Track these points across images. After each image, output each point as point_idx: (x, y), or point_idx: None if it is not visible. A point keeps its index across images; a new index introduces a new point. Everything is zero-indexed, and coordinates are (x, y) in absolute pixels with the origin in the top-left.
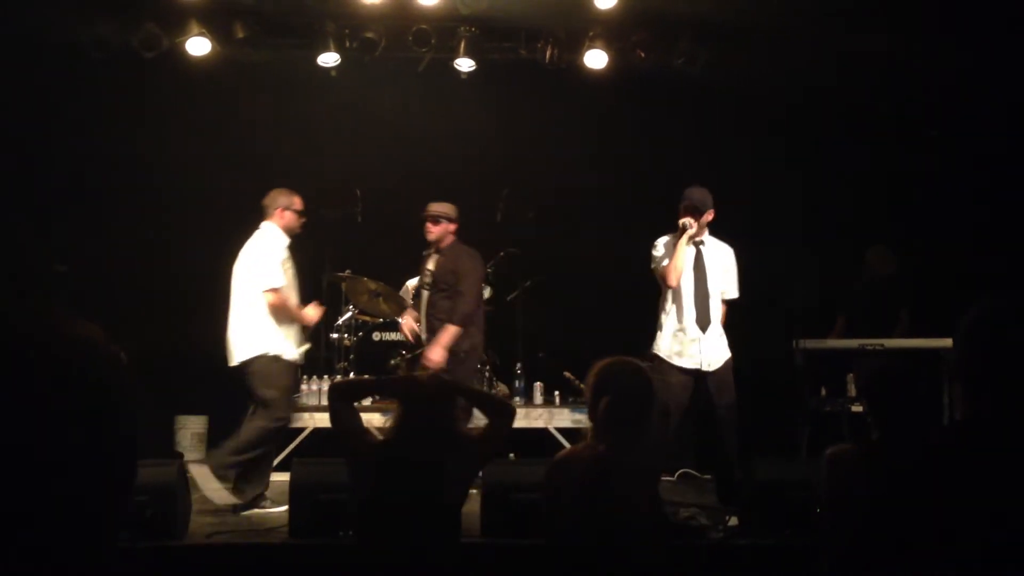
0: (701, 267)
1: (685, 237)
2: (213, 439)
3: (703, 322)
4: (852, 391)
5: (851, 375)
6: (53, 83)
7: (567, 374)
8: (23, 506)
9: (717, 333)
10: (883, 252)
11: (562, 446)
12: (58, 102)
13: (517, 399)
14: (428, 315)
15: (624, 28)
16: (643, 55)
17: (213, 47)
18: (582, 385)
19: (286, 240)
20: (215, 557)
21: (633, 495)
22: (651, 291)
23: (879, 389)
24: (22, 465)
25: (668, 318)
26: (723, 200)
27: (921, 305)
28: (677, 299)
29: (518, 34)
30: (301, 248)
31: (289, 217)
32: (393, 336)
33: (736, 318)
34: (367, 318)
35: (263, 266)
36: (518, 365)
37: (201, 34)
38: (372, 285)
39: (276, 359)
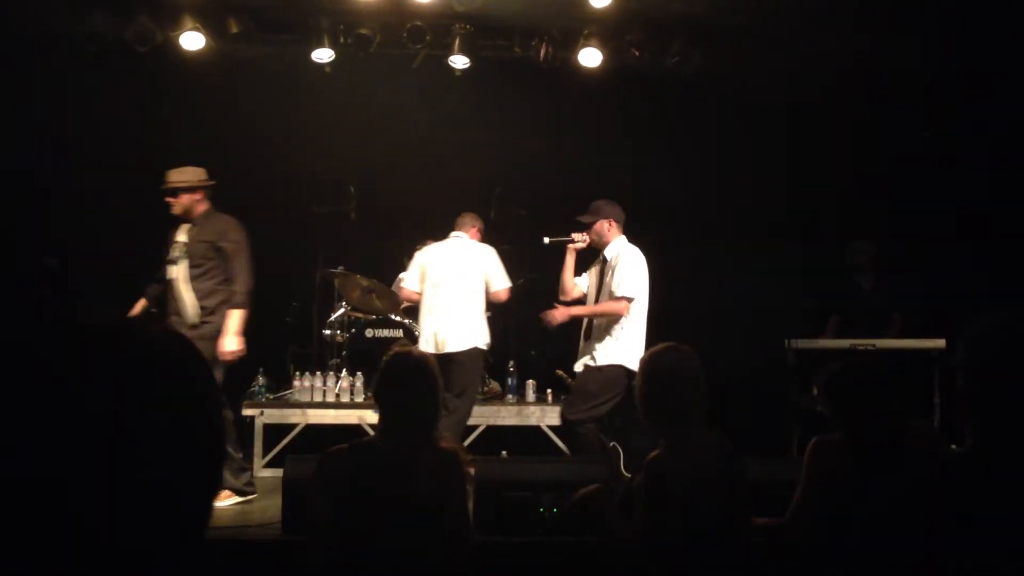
0: (602, 280)
1: (569, 253)
2: None
3: (586, 333)
4: None
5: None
6: (45, 76)
7: (559, 372)
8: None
9: (592, 342)
10: (857, 244)
11: (554, 444)
12: (50, 95)
13: (510, 396)
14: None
15: (619, 27)
16: (637, 54)
17: (207, 42)
18: (573, 383)
19: None
20: (209, 552)
21: (708, 488)
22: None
23: (838, 392)
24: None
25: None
26: (716, 199)
27: (913, 307)
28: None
29: (513, 32)
30: (294, 245)
31: (478, 237)
32: (386, 333)
33: (728, 318)
34: (360, 315)
35: (500, 271)
36: (511, 363)
37: (195, 29)
38: (365, 282)
39: (482, 350)
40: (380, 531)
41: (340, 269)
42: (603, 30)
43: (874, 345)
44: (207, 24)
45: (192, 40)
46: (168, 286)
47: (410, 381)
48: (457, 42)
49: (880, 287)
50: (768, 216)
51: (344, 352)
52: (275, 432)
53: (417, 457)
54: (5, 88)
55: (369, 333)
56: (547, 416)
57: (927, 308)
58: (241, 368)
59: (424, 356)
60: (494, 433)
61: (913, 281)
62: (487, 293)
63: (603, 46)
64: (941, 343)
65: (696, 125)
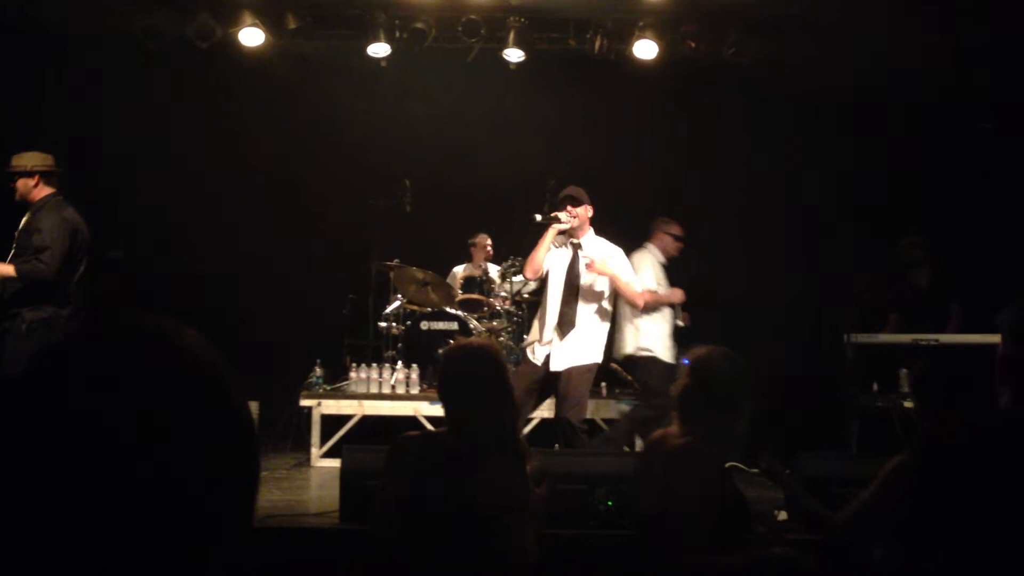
0: (574, 270)
1: (553, 230)
2: (264, 424)
3: (563, 326)
4: (904, 387)
5: (903, 371)
6: (108, 73)
7: (613, 366)
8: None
9: (577, 338)
10: (911, 240)
11: None
12: (112, 91)
13: None
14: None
15: (674, 18)
16: (693, 46)
17: (266, 38)
18: (628, 377)
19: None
20: (268, 540)
21: (707, 487)
22: (698, 281)
23: (933, 387)
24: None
25: (539, 314)
26: (772, 192)
27: (973, 300)
28: (544, 297)
29: (567, 25)
30: (350, 238)
31: (660, 244)
32: (441, 325)
33: (785, 313)
34: (415, 307)
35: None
36: None
37: (254, 25)
38: (420, 274)
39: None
40: (443, 524)
41: (396, 262)
42: (658, 22)
43: (937, 340)
44: (265, 20)
45: (251, 36)
46: None
47: (471, 373)
48: (512, 35)
49: (937, 281)
50: (828, 210)
51: (399, 344)
52: (332, 423)
53: (487, 453)
54: (69, 85)
55: (424, 325)
56: (601, 409)
57: (988, 301)
58: (299, 359)
59: (484, 346)
60: (549, 426)
61: (973, 274)
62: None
63: (658, 38)
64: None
65: (753, 116)
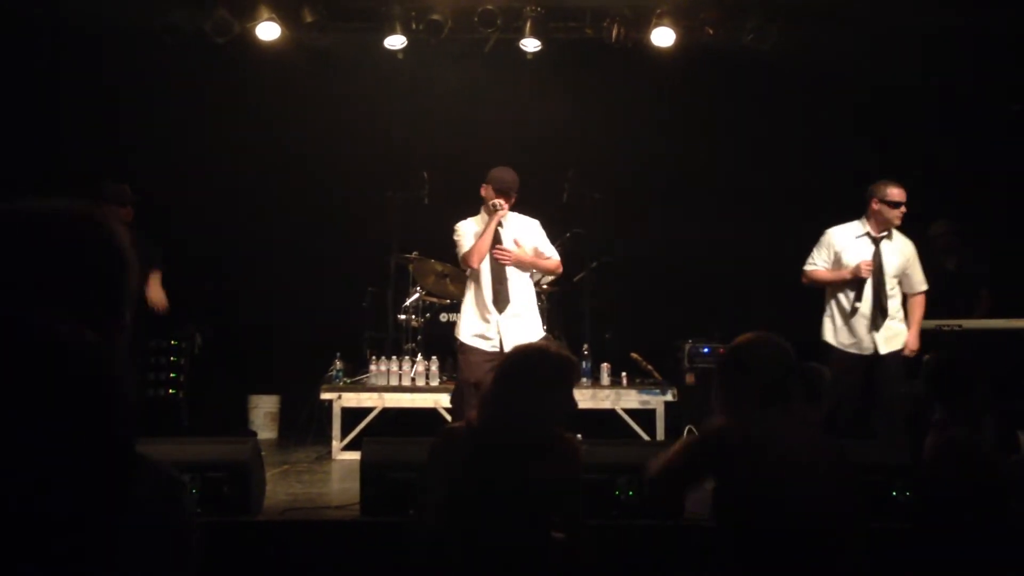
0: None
1: (495, 219)
2: (284, 418)
3: (500, 303)
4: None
5: (925, 356)
6: (128, 71)
7: (634, 355)
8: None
9: (515, 313)
10: (939, 223)
11: (629, 427)
12: (132, 89)
13: (584, 380)
14: None
15: (692, 5)
16: (712, 32)
17: (282, 32)
18: (649, 366)
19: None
20: (289, 533)
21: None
22: (717, 270)
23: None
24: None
25: (467, 299)
26: (793, 180)
27: (1004, 284)
28: (477, 280)
29: (584, 13)
30: (369, 231)
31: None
32: None
33: (808, 299)
34: (434, 299)
35: None
36: (585, 346)
37: (271, 19)
38: (439, 267)
39: None
40: (485, 517)
41: (414, 254)
42: (676, 8)
43: (960, 326)
44: (282, 14)
45: (268, 30)
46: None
47: (513, 376)
48: (528, 25)
49: (965, 266)
50: (846, 196)
51: (419, 337)
52: (352, 416)
53: (538, 443)
54: (85, 82)
55: (443, 318)
56: (622, 399)
57: (1017, 287)
58: (319, 353)
59: (542, 346)
60: None
61: (1005, 258)
62: None
63: (676, 25)
64: None
65: (772, 104)
